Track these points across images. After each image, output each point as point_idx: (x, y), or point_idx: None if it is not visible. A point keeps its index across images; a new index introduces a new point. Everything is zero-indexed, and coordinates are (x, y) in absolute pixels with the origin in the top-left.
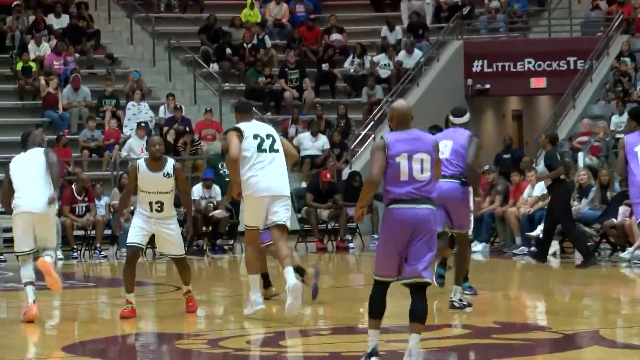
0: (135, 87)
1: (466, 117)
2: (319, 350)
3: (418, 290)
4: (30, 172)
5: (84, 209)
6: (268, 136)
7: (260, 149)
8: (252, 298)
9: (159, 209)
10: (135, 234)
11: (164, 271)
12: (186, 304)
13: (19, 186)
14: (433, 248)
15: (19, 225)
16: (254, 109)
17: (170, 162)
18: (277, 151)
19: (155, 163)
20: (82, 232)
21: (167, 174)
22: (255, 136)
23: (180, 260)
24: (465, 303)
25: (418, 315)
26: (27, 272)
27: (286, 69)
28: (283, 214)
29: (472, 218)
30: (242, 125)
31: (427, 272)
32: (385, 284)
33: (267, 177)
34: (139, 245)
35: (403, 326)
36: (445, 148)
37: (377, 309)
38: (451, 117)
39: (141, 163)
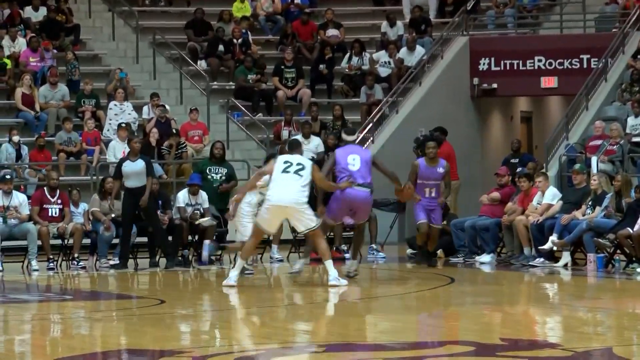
0: (118, 85)
1: (356, 136)
2: None
3: None
4: None
5: (57, 211)
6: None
7: None
8: None
9: None
10: None
11: (147, 283)
12: None
13: None
14: None
15: None
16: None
17: None
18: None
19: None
20: (59, 242)
21: None
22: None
23: None
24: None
25: None
26: None
27: (282, 67)
28: None
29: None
30: None
31: None
32: None
33: None
34: None
35: (400, 342)
36: (355, 161)
37: None
38: (344, 135)
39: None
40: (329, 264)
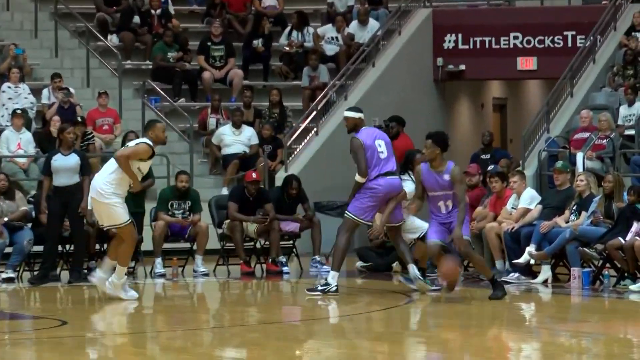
0: (13, 64)
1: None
2: None
3: None
4: None
5: None
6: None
7: None
8: None
9: None
10: None
11: (46, 300)
12: None
13: None
14: None
15: None
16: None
17: None
18: None
19: None
20: None
21: None
22: None
23: None
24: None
25: None
26: None
27: (209, 43)
28: None
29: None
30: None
31: None
32: None
33: None
34: None
35: None
36: (381, 147)
37: None
38: (352, 114)
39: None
40: (122, 270)
